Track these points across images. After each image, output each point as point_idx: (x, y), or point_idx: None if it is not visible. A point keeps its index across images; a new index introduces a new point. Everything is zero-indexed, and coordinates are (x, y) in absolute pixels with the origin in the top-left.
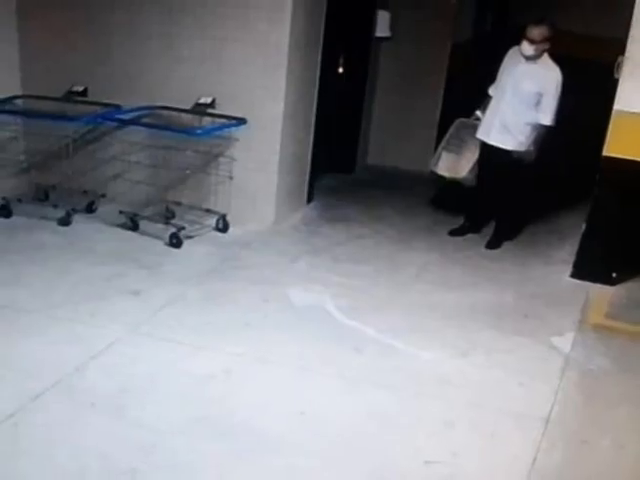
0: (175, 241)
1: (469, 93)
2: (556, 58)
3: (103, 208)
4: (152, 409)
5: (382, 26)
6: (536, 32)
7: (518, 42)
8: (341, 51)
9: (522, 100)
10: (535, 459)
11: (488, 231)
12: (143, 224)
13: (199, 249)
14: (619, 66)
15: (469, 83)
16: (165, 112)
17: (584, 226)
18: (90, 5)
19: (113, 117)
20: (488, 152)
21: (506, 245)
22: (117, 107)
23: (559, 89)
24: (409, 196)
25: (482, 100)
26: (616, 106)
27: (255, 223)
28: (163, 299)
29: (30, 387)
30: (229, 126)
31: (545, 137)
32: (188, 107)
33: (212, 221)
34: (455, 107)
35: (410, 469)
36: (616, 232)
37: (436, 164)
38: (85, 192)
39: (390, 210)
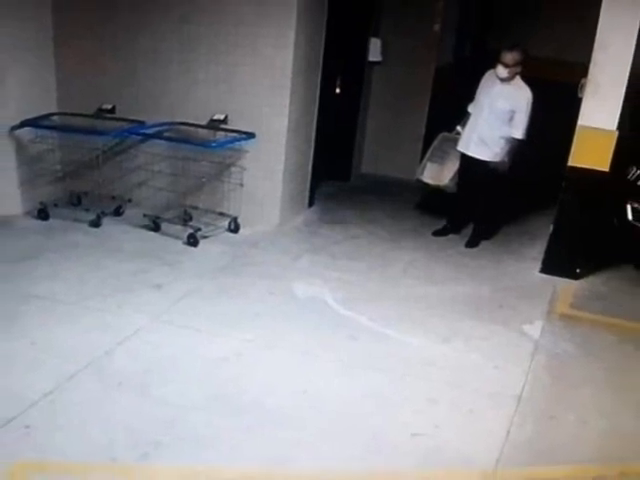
0: (192, 240)
1: (451, 110)
2: (527, 80)
3: (129, 211)
4: (173, 388)
5: (374, 51)
6: (509, 57)
7: (494, 65)
8: (338, 74)
9: (497, 117)
10: (508, 432)
11: (467, 232)
12: (164, 226)
13: (213, 248)
14: (582, 87)
15: (450, 102)
16: (183, 127)
17: (551, 227)
18: (118, 34)
19: (138, 132)
20: (467, 162)
21: (483, 244)
22: (141, 123)
23: (529, 107)
24: (398, 201)
25: (462, 117)
26: (580, 122)
27: (262, 225)
28: (182, 291)
29: (65, 369)
30: (239, 139)
31: (517, 149)
32: (204, 123)
33: (225, 223)
34: (438, 123)
35: (399, 441)
36: (579, 232)
37: (422, 173)
38: (113, 197)
39: (381, 213)
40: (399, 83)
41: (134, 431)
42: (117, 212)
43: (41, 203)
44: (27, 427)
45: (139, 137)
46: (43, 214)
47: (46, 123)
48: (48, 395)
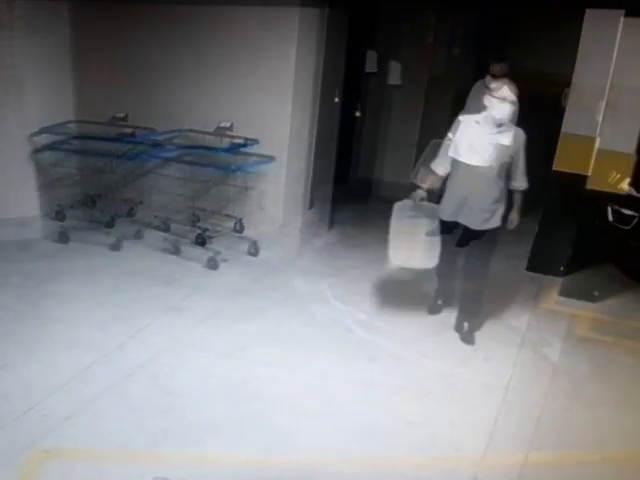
0: (212, 263)
1: (442, 118)
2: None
3: (141, 213)
4: (193, 411)
5: (371, 63)
6: (497, 68)
7: (483, 76)
8: (338, 84)
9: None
10: (497, 420)
11: (458, 232)
12: (184, 249)
13: (233, 270)
14: (566, 96)
15: (442, 110)
16: (192, 134)
17: (537, 228)
18: (131, 47)
19: (158, 155)
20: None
21: (473, 243)
22: (152, 130)
23: (516, 114)
24: (393, 202)
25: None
26: (563, 129)
27: (266, 226)
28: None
29: (87, 392)
30: (259, 163)
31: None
32: (211, 130)
33: (230, 224)
34: (431, 130)
35: (394, 429)
36: (563, 232)
37: (415, 177)
38: (126, 200)
39: (376, 214)
40: (393, 92)
41: (144, 418)
42: (130, 213)
43: (58, 205)
44: (44, 415)
45: (152, 146)
46: (60, 215)
47: (63, 130)
48: (65, 385)
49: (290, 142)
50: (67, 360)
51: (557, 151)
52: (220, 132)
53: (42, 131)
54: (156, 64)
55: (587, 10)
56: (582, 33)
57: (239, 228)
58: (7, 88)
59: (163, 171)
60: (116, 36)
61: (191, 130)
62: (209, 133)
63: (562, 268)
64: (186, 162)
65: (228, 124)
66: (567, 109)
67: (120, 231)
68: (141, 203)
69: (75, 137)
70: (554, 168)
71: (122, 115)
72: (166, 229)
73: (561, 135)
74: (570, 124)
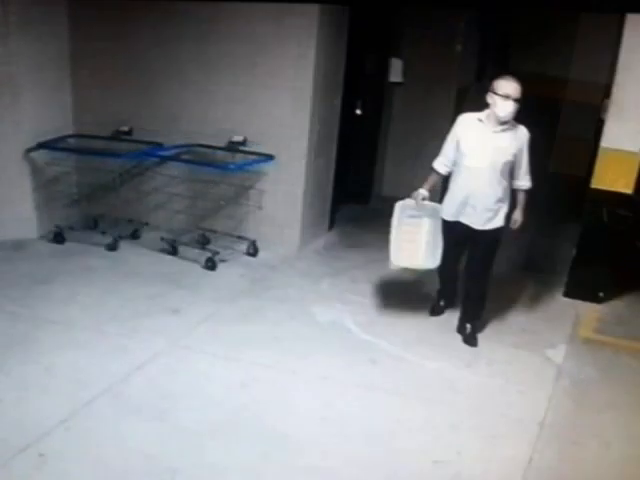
0: (210, 264)
1: None
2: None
3: (146, 235)
4: (190, 414)
5: (395, 72)
6: (515, 87)
7: (476, 106)
8: (359, 95)
9: (498, 171)
10: (531, 459)
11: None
12: (182, 249)
13: (232, 271)
14: (605, 108)
15: None
16: (201, 149)
17: (574, 250)
18: (135, 55)
19: (155, 154)
20: (464, 235)
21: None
22: (159, 145)
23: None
24: None
25: None
26: (603, 144)
27: (282, 248)
28: (200, 316)
29: (81, 395)
30: (258, 161)
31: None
32: (222, 145)
33: (243, 247)
34: None
35: (420, 469)
36: (602, 256)
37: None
38: (130, 220)
39: None
40: (420, 104)
41: (151, 458)
42: (134, 235)
43: (57, 226)
44: (41, 455)
45: (156, 159)
46: (59, 238)
47: (62, 145)
48: (63, 422)
49: (308, 158)
50: (63, 362)
51: (596, 168)
52: (232, 147)
53: (40, 146)
54: (163, 73)
55: (628, 15)
56: (622, 40)
57: (253, 251)
58: (1, 92)
59: (171, 189)
60: (119, 43)
61: (201, 145)
62: (220, 148)
63: (601, 294)
64: (182, 161)
65: (241, 138)
66: (606, 122)
67: (123, 255)
68: (146, 224)
69: (76, 152)
70: (592, 186)
71: (126, 129)
72: (174, 252)
73: (600, 150)
74: (610, 138)
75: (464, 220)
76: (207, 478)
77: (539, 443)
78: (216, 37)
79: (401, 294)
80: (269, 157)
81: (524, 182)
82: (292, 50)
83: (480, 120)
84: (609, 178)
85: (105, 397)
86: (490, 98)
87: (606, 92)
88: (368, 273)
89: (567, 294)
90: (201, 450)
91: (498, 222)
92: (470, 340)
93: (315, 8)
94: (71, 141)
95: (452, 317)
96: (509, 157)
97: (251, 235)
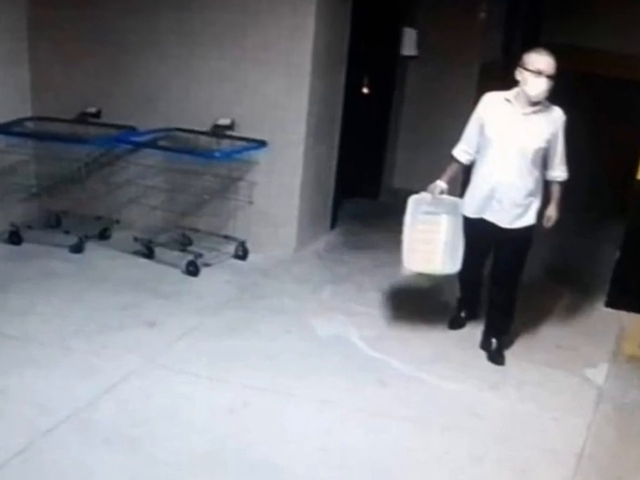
0: (192, 269)
1: None
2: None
3: (117, 235)
4: (168, 444)
5: (409, 45)
6: (549, 62)
7: (505, 84)
8: (366, 71)
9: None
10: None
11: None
12: (159, 251)
13: (217, 277)
14: None
15: None
16: (182, 134)
17: (618, 253)
18: (105, 24)
19: (128, 140)
20: (489, 234)
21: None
22: (132, 129)
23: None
24: None
25: None
26: None
27: (275, 250)
28: (180, 329)
29: (42, 422)
30: (248, 149)
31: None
32: (206, 129)
33: (231, 248)
34: None
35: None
36: None
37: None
38: (98, 218)
39: None
40: (437, 82)
41: None
42: (103, 235)
43: (12, 225)
44: None
45: (129, 146)
46: (15, 238)
47: (18, 129)
48: (20, 454)
49: (307, 144)
50: (20, 383)
51: None
52: (218, 132)
53: None
54: (137, 45)
55: None
56: None
57: (242, 253)
58: None
59: (146, 181)
60: (86, 9)
61: (181, 129)
62: (203, 133)
63: None
64: (159, 147)
65: (228, 121)
66: None
67: (90, 257)
68: (117, 222)
69: (34, 137)
70: (639, 177)
71: (93, 110)
72: (149, 255)
73: None
74: None
75: (489, 217)
76: None
77: (577, 478)
78: (199, 4)
79: (415, 304)
80: (261, 143)
81: (559, 172)
82: (288, 19)
83: (508, 100)
84: None
85: (69, 424)
86: (519, 74)
87: None
88: (376, 279)
89: (609, 304)
90: None
91: (529, 219)
92: (496, 358)
93: None
94: (29, 124)
95: (475, 331)
96: (542, 143)
97: (240, 235)
